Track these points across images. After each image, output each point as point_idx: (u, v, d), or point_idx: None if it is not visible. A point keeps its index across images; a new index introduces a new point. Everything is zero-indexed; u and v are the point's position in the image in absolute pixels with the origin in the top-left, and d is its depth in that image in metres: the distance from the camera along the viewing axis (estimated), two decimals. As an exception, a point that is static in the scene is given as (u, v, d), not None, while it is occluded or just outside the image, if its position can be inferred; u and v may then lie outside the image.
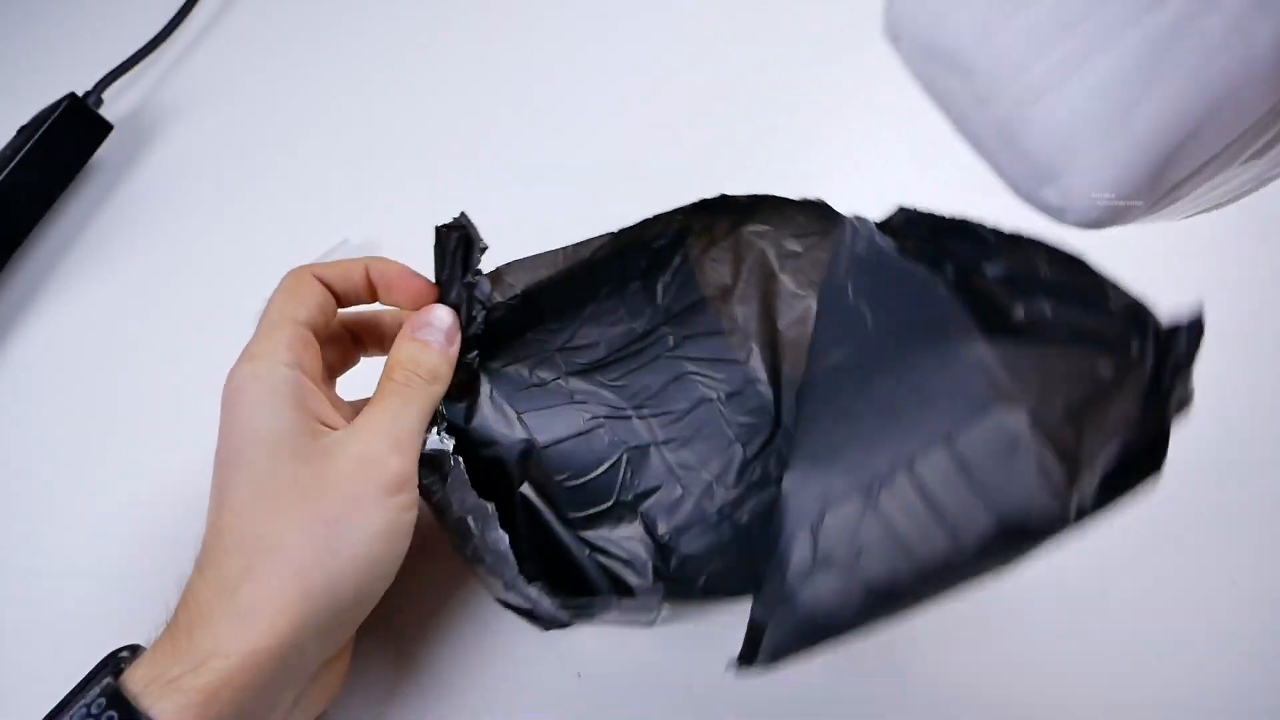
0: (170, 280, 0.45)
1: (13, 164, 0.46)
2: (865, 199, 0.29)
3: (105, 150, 0.51)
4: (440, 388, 0.29)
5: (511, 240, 0.45)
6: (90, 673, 0.25)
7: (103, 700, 0.22)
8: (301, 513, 0.24)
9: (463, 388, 0.31)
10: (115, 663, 0.25)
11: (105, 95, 0.51)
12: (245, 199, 0.48)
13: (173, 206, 0.48)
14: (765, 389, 0.33)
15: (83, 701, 0.23)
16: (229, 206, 0.48)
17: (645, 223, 0.32)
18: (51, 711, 0.24)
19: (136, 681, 0.23)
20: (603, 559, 0.30)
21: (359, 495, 0.25)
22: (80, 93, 0.50)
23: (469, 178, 0.47)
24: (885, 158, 0.43)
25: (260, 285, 0.43)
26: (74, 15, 0.60)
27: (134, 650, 0.26)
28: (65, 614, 0.34)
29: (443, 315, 0.30)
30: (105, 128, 0.50)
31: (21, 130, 0.49)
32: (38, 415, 0.41)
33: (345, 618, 0.25)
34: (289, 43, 0.57)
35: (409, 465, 0.26)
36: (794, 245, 0.33)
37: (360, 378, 0.32)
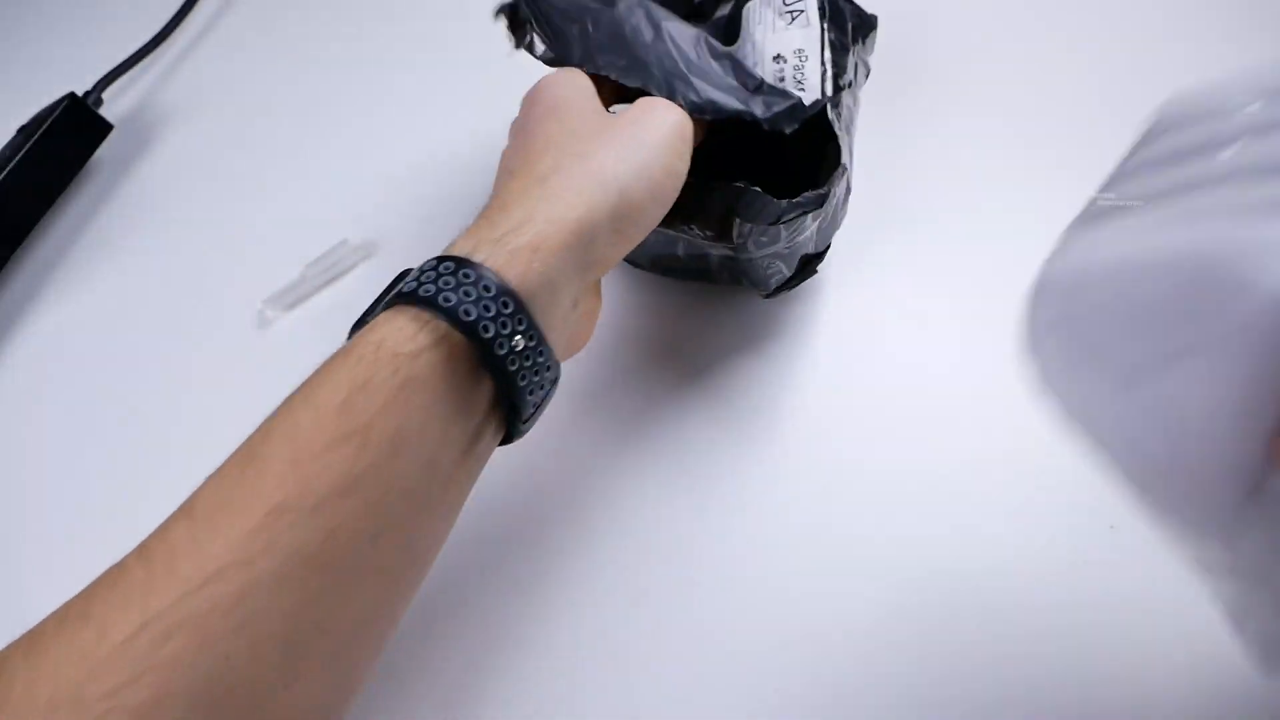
0: (170, 280, 0.45)
1: (13, 164, 0.46)
2: None
3: (105, 150, 0.51)
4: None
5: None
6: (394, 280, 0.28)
7: (433, 262, 0.25)
8: (609, 135, 0.29)
9: None
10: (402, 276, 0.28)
11: (105, 95, 0.51)
12: (245, 199, 0.48)
13: (173, 206, 0.48)
14: None
15: (410, 278, 0.26)
16: (229, 206, 0.48)
17: None
18: (370, 307, 0.28)
19: (460, 249, 0.26)
20: None
21: (657, 132, 0.29)
22: (80, 93, 0.50)
23: (469, 177, 0.47)
24: None
25: (260, 285, 0.43)
26: (74, 15, 0.60)
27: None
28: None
29: None
30: (105, 128, 0.50)
31: (22, 130, 0.49)
32: (38, 414, 0.41)
33: (628, 217, 0.28)
34: (288, 43, 0.57)
35: (691, 130, 0.31)
36: None
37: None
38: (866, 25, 0.39)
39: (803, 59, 0.36)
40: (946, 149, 0.45)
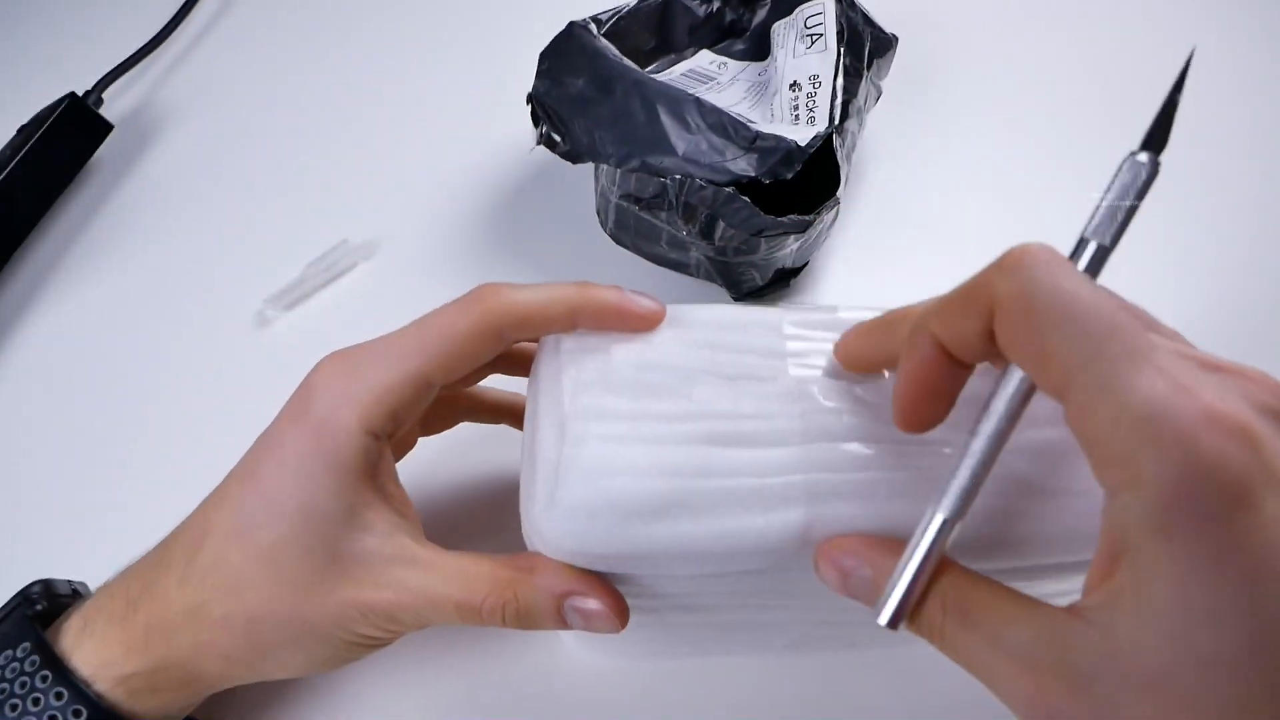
0: (170, 279, 0.45)
1: (13, 164, 0.46)
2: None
3: (105, 150, 0.51)
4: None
5: (513, 239, 0.45)
6: (5, 611, 0.25)
7: (36, 659, 0.23)
8: (294, 605, 0.23)
9: None
10: (30, 603, 0.26)
11: (105, 95, 0.51)
12: (245, 199, 0.48)
13: (173, 206, 0.48)
14: None
15: (10, 655, 0.23)
16: (229, 206, 0.48)
17: None
18: None
19: (84, 659, 0.24)
20: None
21: (341, 629, 0.24)
22: (80, 93, 0.50)
23: (470, 176, 0.47)
24: None
25: (260, 284, 0.43)
26: (74, 15, 0.60)
27: (46, 586, 0.27)
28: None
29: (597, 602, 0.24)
30: (105, 128, 0.50)
31: (21, 130, 0.49)
32: (37, 415, 0.41)
33: (266, 679, 0.26)
34: (289, 43, 0.57)
35: (393, 640, 0.26)
36: None
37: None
38: (883, 46, 0.40)
39: (816, 85, 0.38)
40: (948, 158, 0.45)
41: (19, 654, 0.23)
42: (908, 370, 0.20)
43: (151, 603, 0.24)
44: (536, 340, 0.26)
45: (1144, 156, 0.19)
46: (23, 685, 0.23)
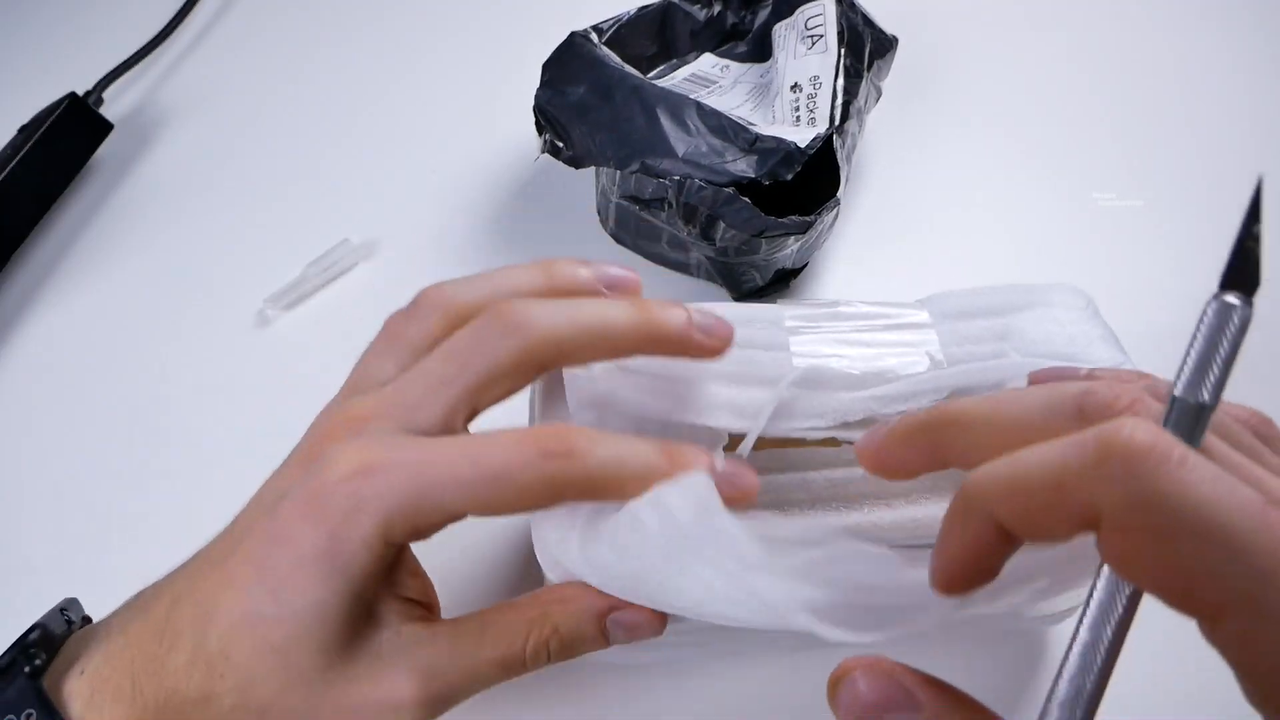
0: (170, 280, 0.45)
1: (13, 163, 0.46)
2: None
3: (105, 150, 0.51)
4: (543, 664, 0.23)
5: (514, 239, 0.45)
6: (2, 666, 0.23)
7: (31, 712, 0.21)
8: (305, 707, 0.22)
9: None
10: (28, 658, 0.23)
11: (105, 95, 0.51)
12: (245, 199, 0.48)
13: (173, 206, 0.48)
14: None
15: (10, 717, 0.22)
16: (229, 206, 0.48)
17: None
18: None
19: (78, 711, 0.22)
20: None
21: None
22: (80, 92, 0.50)
23: (470, 177, 0.47)
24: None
25: (260, 284, 0.43)
26: (74, 15, 0.60)
27: (44, 632, 0.24)
28: (65, 614, 0.34)
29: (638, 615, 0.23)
30: (105, 127, 0.50)
31: (22, 129, 0.49)
32: (37, 415, 0.41)
33: None
34: (289, 43, 0.57)
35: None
36: None
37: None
38: (884, 48, 0.40)
39: (817, 86, 0.38)
40: (948, 158, 0.45)
41: None
42: (958, 546, 0.18)
43: (158, 683, 0.22)
44: None
45: (1232, 298, 0.16)
46: None
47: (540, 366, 0.23)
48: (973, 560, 0.18)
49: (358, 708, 0.22)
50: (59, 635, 0.25)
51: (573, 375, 0.25)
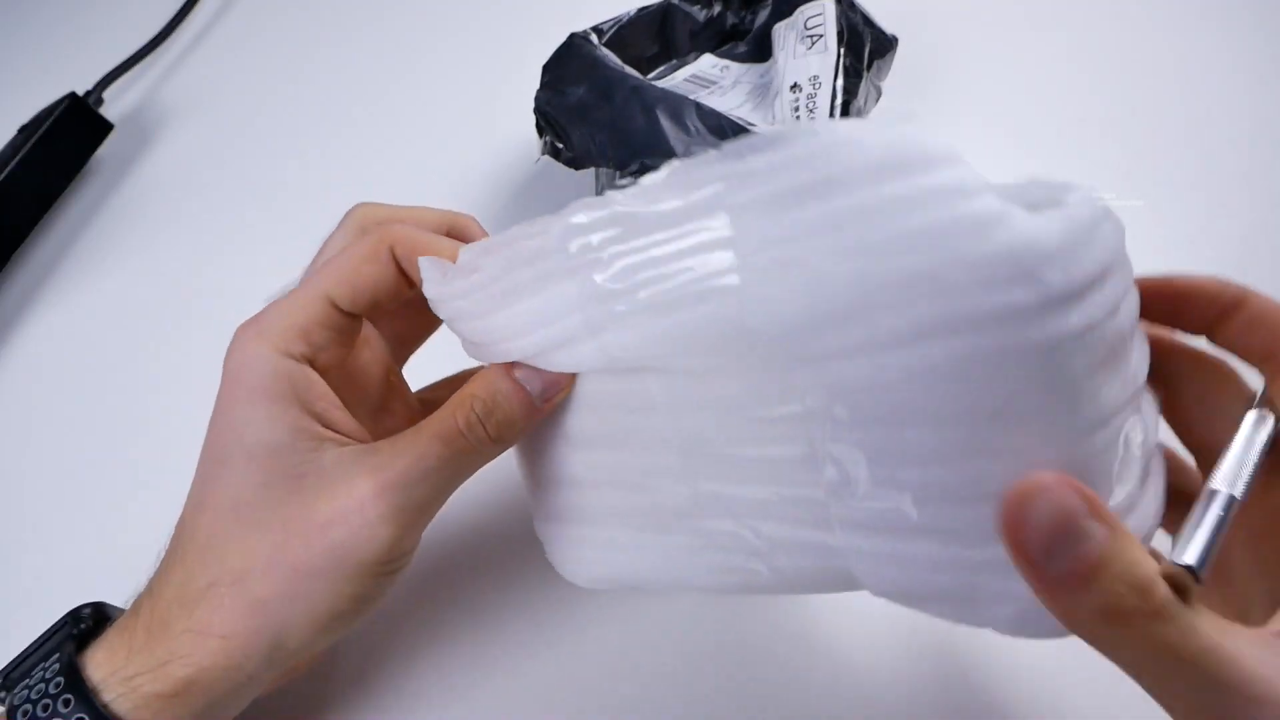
0: (170, 280, 0.45)
1: (13, 163, 0.46)
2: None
3: (105, 150, 0.51)
4: (499, 450, 0.24)
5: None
6: (51, 630, 0.25)
7: (60, 680, 0.22)
8: (273, 547, 0.22)
9: None
10: (76, 622, 0.25)
11: (105, 95, 0.52)
12: (245, 198, 0.48)
13: (173, 206, 0.49)
14: None
15: (42, 670, 0.23)
16: (229, 206, 0.48)
17: None
18: (13, 663, 0.24)
19: (97, 668, 0.23)
20: None
21: (336, 557, 0.22)
22: (80, 92, 0.50)
23: (470, 177, 0.47)
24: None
25: (260, 284, 0.43)
26: (74, 15, 0.60)
27: (97, 608, 0.26)
28: (59, 611, 0.34)
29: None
30: (105, 127, 0.50)
31: (22, 129, 0.49)
32: (38, 415, 0.41)
33: (296, 656, 0.24)
34: (289, 43, 0.57)
35: (405, 542, 0.23)
36: None
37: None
38: (884, 47, 0.40)
39: (816, 86, 0.38)
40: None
41: (51, 668, 0.23)
42: None
43: (150, 600, 0.23)
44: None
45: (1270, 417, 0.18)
46: (39, 692, 0.22)
47: (376, 240, 0.25)
48: None
49: (323, 526, 0.22)
50: (113, 617, 0.26)
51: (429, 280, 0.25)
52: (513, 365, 0.23)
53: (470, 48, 0.54)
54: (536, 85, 0.40)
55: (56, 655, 0.23)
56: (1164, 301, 0.21)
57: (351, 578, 0.23)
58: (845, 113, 0.38)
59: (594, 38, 0.40)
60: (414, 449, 0.23)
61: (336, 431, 0.24)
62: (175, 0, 0.57)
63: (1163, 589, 0.15)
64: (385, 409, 0.28)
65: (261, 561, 0.22)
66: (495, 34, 0.55)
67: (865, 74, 0.40)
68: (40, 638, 0.25)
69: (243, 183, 0.49)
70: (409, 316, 0.29)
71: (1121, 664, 0.16)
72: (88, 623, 0.25)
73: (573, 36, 0.40)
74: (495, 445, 0.23)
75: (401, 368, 0.30)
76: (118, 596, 0.34)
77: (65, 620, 0.25)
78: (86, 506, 0.37)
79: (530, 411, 0.23)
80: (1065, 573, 0.15)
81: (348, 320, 0.25)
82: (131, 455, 0.39)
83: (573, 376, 0.23)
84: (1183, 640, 0.15)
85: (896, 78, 0.42)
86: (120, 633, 0.24)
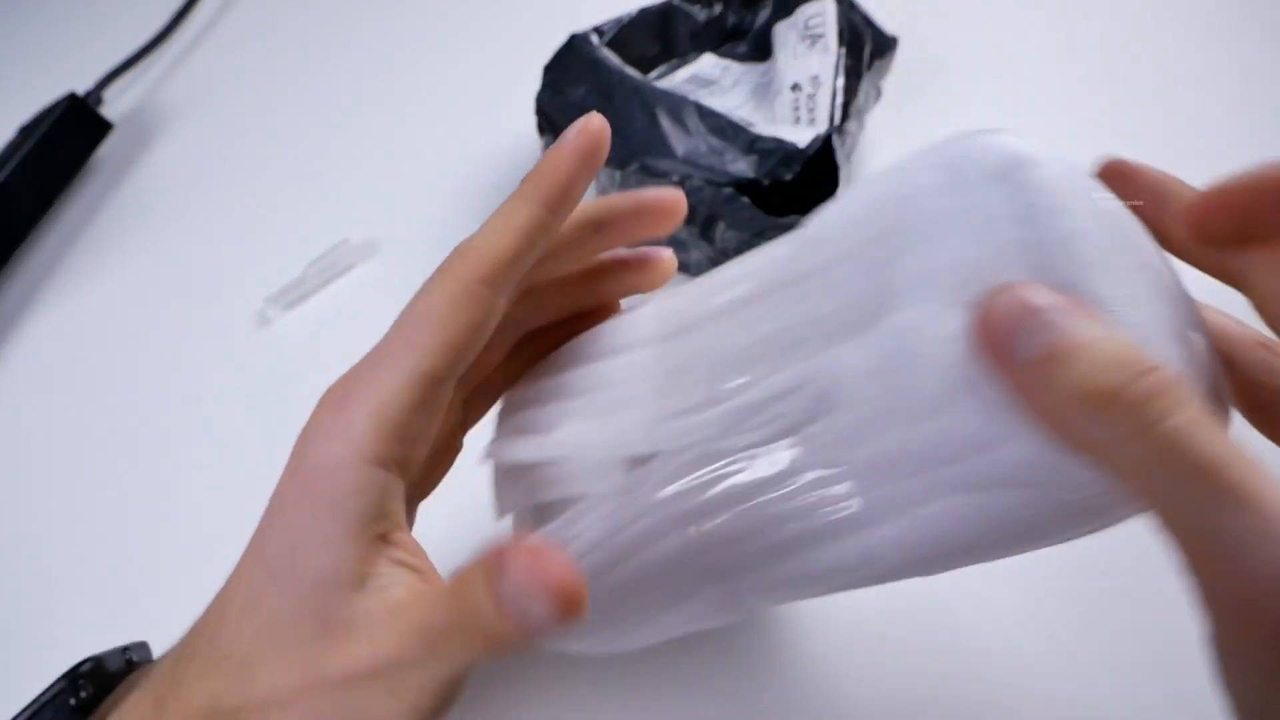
0: (170, 279, 0.45)
1: (13, 163, 0.46)
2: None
3: (105, 150, 0.51)
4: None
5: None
6: (47, 696, 0.23)
7: None
8: (296, 689, 0.21)
9: None
10: (75, 689, 0.23)
11: (105, 95, 0.52)
12: (245, 198, 0.48)
13: (173, 206, 0.49)
14: None
15: None
16: (229, 206, 0.48)
17: None
18: None
19: None
20: None
21: (359, 714, 0.21)
22: (80, 92, 0.50)
23: (471, 176, 0.47)
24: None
25: (260, 284, 0.43)
26: (74, 15, 0.60)
27: (96, 666, 0.24)
28: (60, 612, 0.34)
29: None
30: (105, 127, 0.50)
31: (22, 129, 0.49)
32: (38, 414, 0.41)
33: None
34: (289, 43, 0.57)
35: (437, 690, 0.21)
36: None
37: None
38: (884, 48, 0.40)
39: (816, 86, 0.38)
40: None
41: None
42: None
43: (178, 701, 0.21)
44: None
45: None
46: None
47: (482, 297, 0.22)
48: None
49: (355, 673, 0.20)
50: (114, 671, 0.24)
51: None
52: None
53: (471, 48, 0.54)
54: (537, 85, 0.40)
55: None
56: (1227, 214, 0.19)
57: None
58: (845, 113, 0.38)
59: (595, 38, 0.41)
60: (465, 615, 0.20)
61: (392, 545, 0.22)
62: (175, 0, 0.57)
63: (1162, 374, 0.14)
64: (447, 447, 0.27)
65: (284, 695, 0.21)
66: (496, 34, 0.55)
67: (865, 74, 0.40)
68: (34, 705, 0.23)
69: (243, 183, 0.49)
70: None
71: (1108, 461, 0.15)
72: (87, 690, 0.23)
73: (573, 37, 0.40)
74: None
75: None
76: (113, 600, 0.34)
77: (62, 685, 0.23)
78: (84, 506, 0.37)
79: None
80: (1036, 356, 0.15)
81: (450, 391, 0.23)
82: (130, 455, 0.39)
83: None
84: (1172, 436, 0.14)
85: (896, 78, 0.43)
86: (147, 690, 0.22)
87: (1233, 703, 0.14)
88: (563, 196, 0.22)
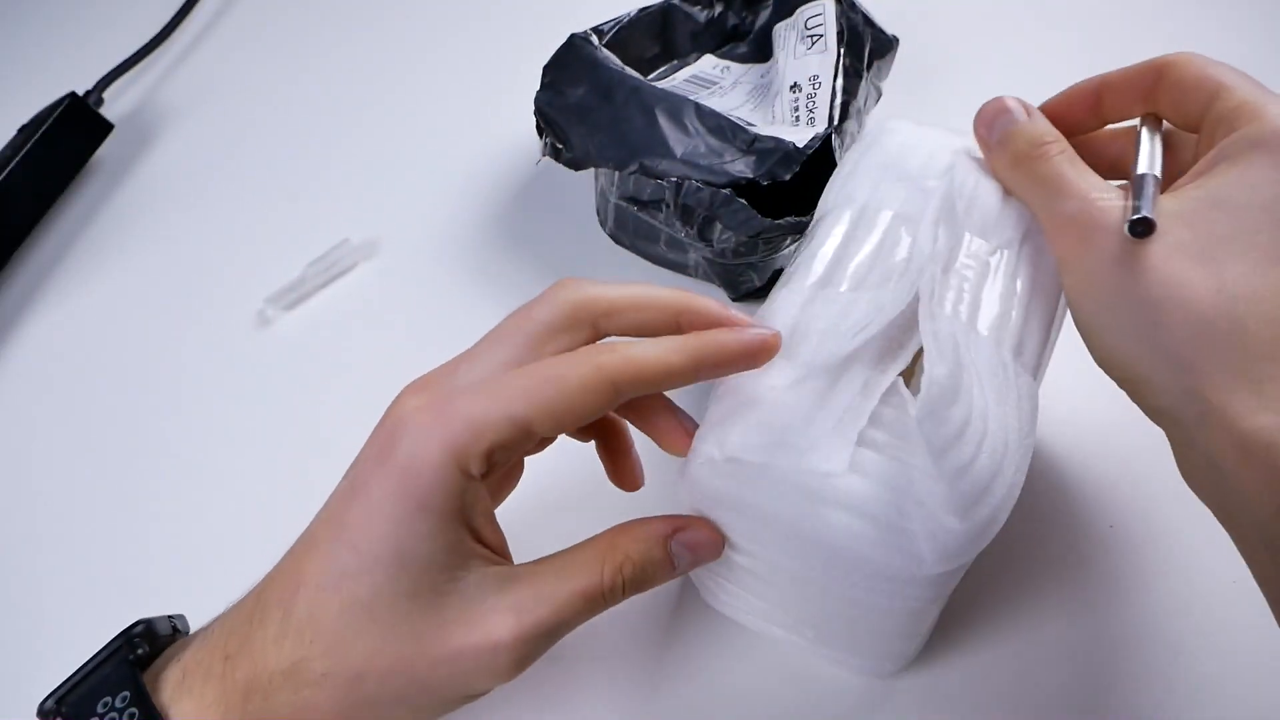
0: (170, 279, 0.45)
1: (13, 164, 0.46)
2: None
3: (105, 150, 0.51)
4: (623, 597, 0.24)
5: (513, 239, 0.45)
6: (106, 652, 0.24)
7: (135, 711, 0.22)
8: (397, 657, 0.22)
9: None
10: (132, 646, 0.24)
11: (105, 95, 0.52)
12: (245, 199, 0.48)
13: (173, 206, 0.49)
14: None
15: (109, 703, 0.22)
16: (229, 206, 0.48)
17: None
18: (67, 686, 0.23)
19: (182, 714, 0.22)
20: None
21: (456, 685, 0.23)
22: (80, 92, 0.50)
23: (470, 178, 0.47)
24: None
25: (260, 284, 0.43)
26: (74, 15, 0.60)
27: (148, 628, 0.25)
28: (59, 611, 0.34)
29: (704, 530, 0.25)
30: (105, 127, 0.50)
31: (22, 130, 0.49)
32: (39, 414, 0.41)
33: None
34: (289, 43, 0.57)
35: (526, 662, 0.23)
36: None
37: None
38: (884, 48, 0.41)
39: (816, 86, 0.38)
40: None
41: (118, 703, 0.22)
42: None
43: (249, 659, 0.23)
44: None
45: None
46: None
47: (612, 390, 0.23)
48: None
49: (454, 655, 0.22)
50: (163, 634, 0.25)
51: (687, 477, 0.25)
52: (672, 532, 0.24)
53: (471, 48, 0.54)
54: (537, 86, 0.40)
55: (125, 693, 0.22)
56: (1090, 107, 0.28)
57: (457, 701, 0.24)
58: (845, 113, 0.38)
59: (594, 38, 0.41)
60: (555, 598, 0.23)
61: (483, 543, 0.24)
62: (175, 0, 0.57)
63: (1053, 147, 0.25)
64: (510, 474, 0.29)
65: (382, 667, 0.22)
66: (496, 35, 0.55)
67: (865, 74, 0.40)
68: (94, 660, 0.24)
69: (243, 183, 0.49)
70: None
71: (1024, 196, 0.26)
72: (144, 647, 0.24)
73: (573, 37, 0.40)
74: (632, 591, 0.24)
75: None
76: (121, 597, 0.34)
77: (120, 642, 0.24)
78: (86, 505, 0.37)
79: (668, 579, 0.25)
80: (998, 137, 0.27)
81: (539, 443, 0.25)
82: (131, 454, 0.39)
83: (720, 550, 0.25)
84: (1047, 170, 0.25)
85: (896, 78, 0.43)
86: (210, 681, 0.23)
87: (1076, 317, 0.24)
88: (712, 366, 0.24)
